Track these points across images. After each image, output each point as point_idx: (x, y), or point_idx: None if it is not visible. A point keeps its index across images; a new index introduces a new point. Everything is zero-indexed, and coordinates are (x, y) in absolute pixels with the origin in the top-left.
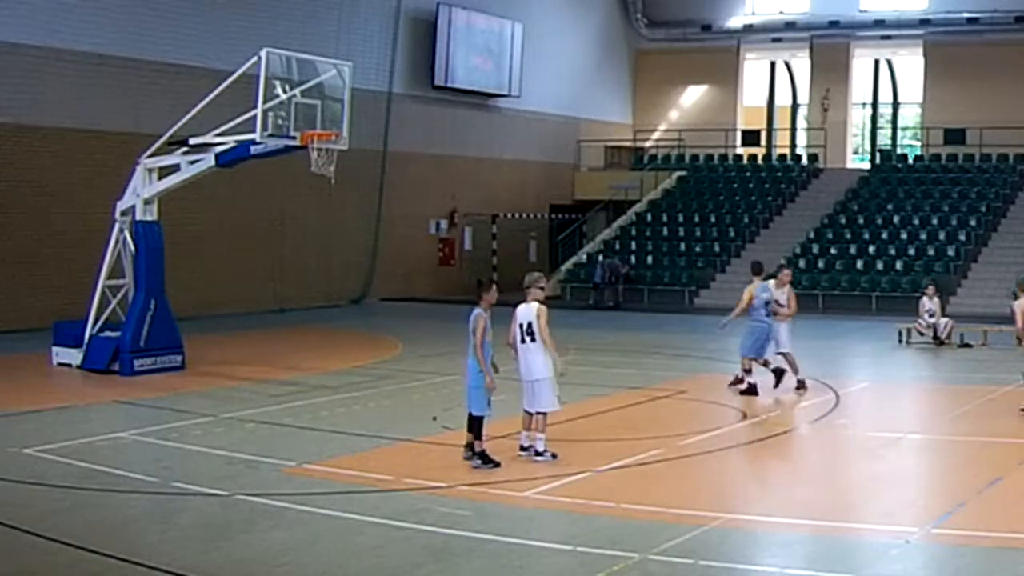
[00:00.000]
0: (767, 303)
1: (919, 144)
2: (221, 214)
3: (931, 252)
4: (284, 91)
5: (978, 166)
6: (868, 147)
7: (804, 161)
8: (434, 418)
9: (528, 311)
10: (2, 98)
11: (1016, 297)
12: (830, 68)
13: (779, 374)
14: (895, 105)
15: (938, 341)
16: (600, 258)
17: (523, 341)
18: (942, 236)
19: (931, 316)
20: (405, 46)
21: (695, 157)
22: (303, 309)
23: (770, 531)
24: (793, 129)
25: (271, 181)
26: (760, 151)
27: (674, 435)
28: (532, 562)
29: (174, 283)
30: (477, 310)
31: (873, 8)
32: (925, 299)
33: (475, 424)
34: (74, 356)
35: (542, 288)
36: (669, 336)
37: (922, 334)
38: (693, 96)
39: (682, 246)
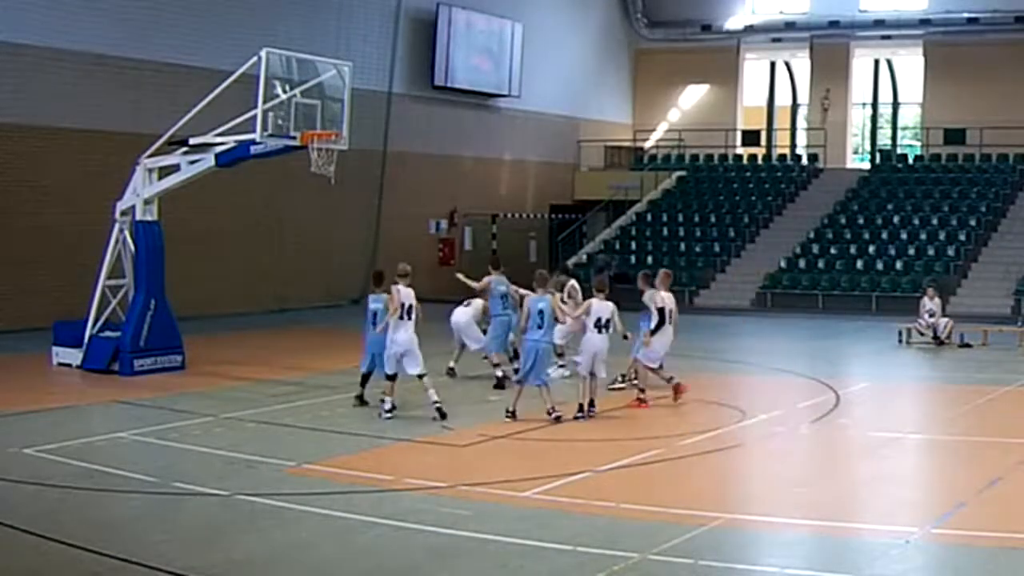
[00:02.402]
0: (504, 296)
1: (919, 144)
2: (221, 214)
3: (931, 252)
4: (284, 91)
5: (978, 166)
6: (868, 147)
7: (804, 161)
8: (434, 418)
9: (411, 294)
10: (2, 98)
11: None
12: (830, 68)
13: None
14: (895, 105)
15: (938, 341)
16: (599, 257)
17: (401, 318)
18: (942, 236)
19: (931, 316)
20: (405, 46)
21: (695, 157)
22: (303, 309)
23: (770, 531)
24: (793, 129)
25: (271, 181)
26: (760, 151)
27: (674, 435)
28: (532, 562)
29: (174, 283)
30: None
31: (873, 8)
32: (926, 299)
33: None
34: (74, 356)
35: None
36: None
37: (922, 334)
38: (693, 96)
39: (682, 246)
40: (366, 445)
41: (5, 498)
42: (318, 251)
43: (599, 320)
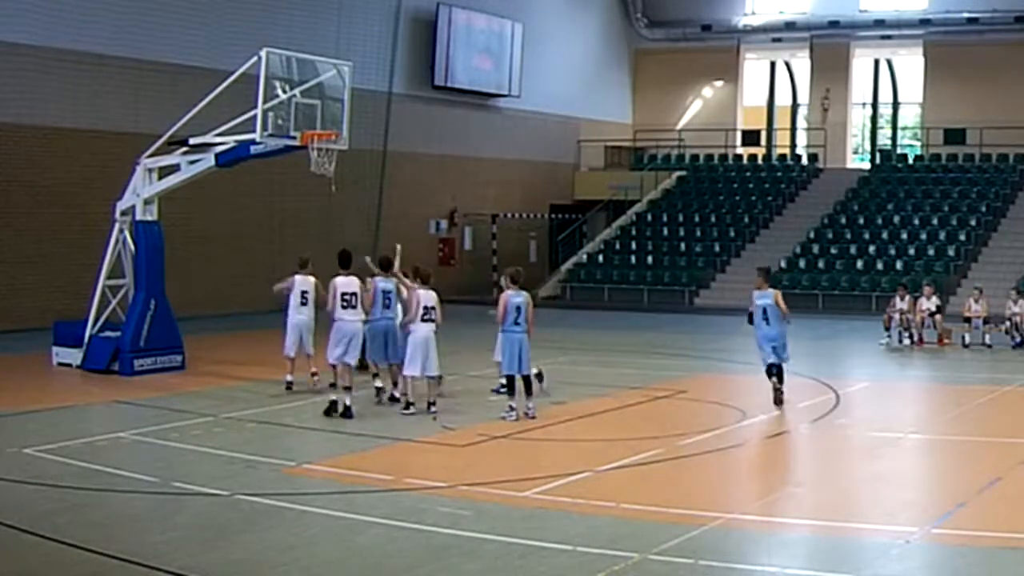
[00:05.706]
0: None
1: (919, 144)
2: (221, 214)
3: (931, 252)
4: (284, 91)
5: (978, 166)
6: (868, 147)
7: (804, 161)
8: (434, 418)
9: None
10: (2, 98)
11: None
12: (830, 68)
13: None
14: (895, 105)
15: (912, 340)
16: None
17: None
18: (942, 236)
19: (930, 315)
20: (405, 46)
21: (695, 157)
22: None
23: (770, 531)
24: (793, 129)
25: (271, 181)
26: (760, 151)
27: (674, 435)
28: (532, 562)
29: (174, 283)
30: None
31: (873, 8)
32: (923, 299)
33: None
34: (74, 356)
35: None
36: (669, 336)
37: (906, 329)
38: (693, 96)
39: (682, 246)
40: (366, 445)
41: (5, 498)
42: (318, 251)
43: None
